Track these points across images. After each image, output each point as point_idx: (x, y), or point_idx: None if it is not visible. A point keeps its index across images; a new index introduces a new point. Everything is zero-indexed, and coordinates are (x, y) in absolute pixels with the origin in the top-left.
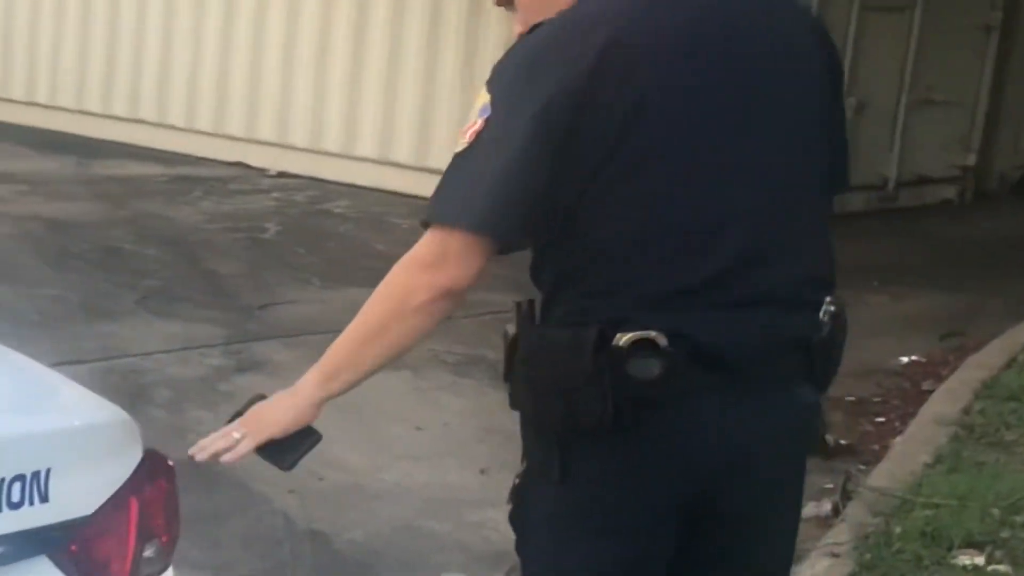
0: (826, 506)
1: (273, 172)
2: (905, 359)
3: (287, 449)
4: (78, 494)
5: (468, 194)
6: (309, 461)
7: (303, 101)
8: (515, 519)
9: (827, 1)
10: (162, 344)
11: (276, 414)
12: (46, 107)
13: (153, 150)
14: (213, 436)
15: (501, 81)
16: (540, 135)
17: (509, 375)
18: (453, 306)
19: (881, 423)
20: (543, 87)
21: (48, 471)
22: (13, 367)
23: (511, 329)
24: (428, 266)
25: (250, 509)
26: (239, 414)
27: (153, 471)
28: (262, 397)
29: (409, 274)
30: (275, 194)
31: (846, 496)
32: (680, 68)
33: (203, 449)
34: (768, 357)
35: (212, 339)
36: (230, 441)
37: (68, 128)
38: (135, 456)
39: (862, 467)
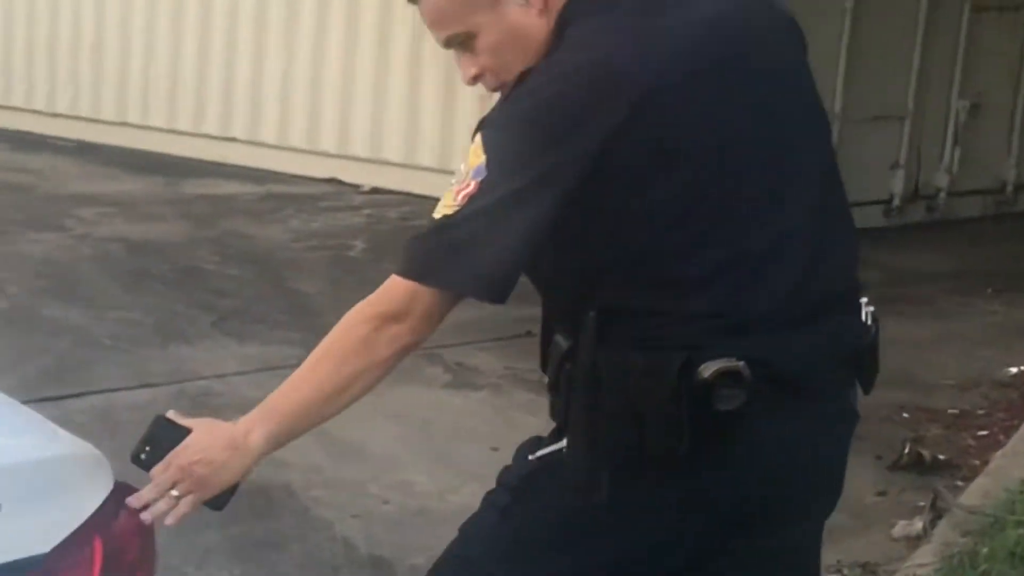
0: (916, 525)
1: (366, 188)
2: (1014, 369)
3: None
4: (33, 531)
5: (453, 255)
6: (375, 485)
7: (396, 116)
8: (511, 489)
9: (936, 2)
10: (236, 366)
11: (220, 473)
12: (137, 127)
13: (245, 168)
14: (150, 489)
15: (500, 141)
16: (544, 202)
17: (556, 388)
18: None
19: (983, 436)
20: (554, 151)
21: None
22: None
23: (562, 341)
24: (392, 320)
25: (310, 535)
26: (148, 443)
27: (123, 505)
28: (167, 422)
29: (372, 327)
30: (366, 211)
31: (936, 515)
32: (710, 96)
33: (142, 504)
34: (831, 368)
35: (288, 360)
36: (171, 502)
37: (159, 148)
38: (102, 491)
39: (959, 483)
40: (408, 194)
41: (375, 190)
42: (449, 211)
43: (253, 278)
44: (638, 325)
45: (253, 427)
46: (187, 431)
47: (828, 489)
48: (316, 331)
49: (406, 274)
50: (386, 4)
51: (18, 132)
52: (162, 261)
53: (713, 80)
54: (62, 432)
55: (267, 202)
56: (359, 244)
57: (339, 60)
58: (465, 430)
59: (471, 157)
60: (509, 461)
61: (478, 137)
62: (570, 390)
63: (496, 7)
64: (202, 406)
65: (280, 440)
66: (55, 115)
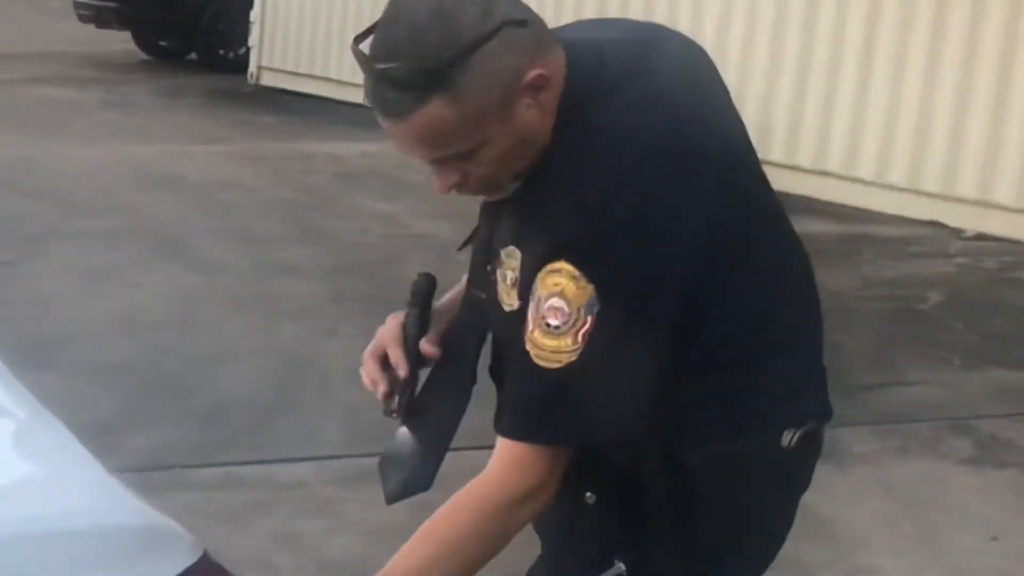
0: None
1: (970, 234)
2: None
3: None
4: None
5: (591, 406)
6: (831, 571)
7: (1012, 151)
8: None
9: None
10: None
11: None
12: None
13: (838, 205)
14: None
15: (599, 264)
16: (668, 313)
17: (607, 500)
18: None
19: None
20: (663, 256)
21: None
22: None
23: (608, 450)
24: (534, 494)
25: None
26: None
27: None
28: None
29: (513, 511)
30: (960, 259)
31: None
32: (740, 149)
33: None
34: None
35: None
36: None
37: None
38: (171, 568)
39: None
40: (1016, 241)
41: (979, 236)
42: (573, 357)
43: None
44: (710, 414)
45: None
46: None
47: None
48: (836, 390)
49: (542, 439)
50: (1007, 37)
51: None
52: None
53: (733, 131)
54: (132, 502)
55: (849, 244)
56: (934, 296)
57: (951, 90)
58: (967, 513)
59: (569, 291)
60: (1007, 554)
61: (565, 266)
62: (633, 500)
63: (508, 114)
64: None
65: None
66: None
